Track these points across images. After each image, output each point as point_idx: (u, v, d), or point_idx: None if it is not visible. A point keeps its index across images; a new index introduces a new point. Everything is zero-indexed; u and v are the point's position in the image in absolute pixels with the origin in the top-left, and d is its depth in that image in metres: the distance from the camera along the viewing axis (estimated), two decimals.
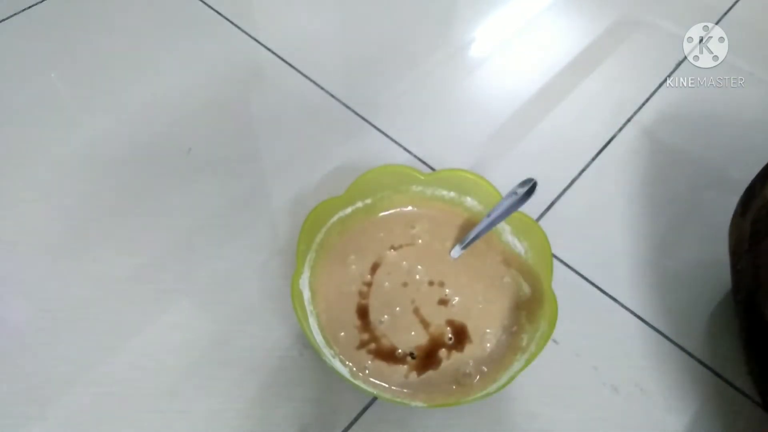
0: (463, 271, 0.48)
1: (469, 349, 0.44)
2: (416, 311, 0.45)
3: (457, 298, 0.46)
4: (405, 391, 0.42)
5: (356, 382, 0.41)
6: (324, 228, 0.47)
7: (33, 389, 0.45)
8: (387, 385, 0.42)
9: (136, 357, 0.46)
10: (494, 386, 0.40)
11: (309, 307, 0.44)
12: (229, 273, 0.51)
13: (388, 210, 0.51)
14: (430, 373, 0.43)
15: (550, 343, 0.42)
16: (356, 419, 0.44)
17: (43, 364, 0.46)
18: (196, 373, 0.46)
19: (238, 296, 0.50)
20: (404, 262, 0.48)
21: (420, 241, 0.49)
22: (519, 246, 0.48)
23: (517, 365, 0.41)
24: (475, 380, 0.42)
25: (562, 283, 0.48)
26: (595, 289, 0.51)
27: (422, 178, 0.49)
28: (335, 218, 0.48)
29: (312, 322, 0.43)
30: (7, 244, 0.52)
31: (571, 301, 0.45)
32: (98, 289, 0.50)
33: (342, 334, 0.44)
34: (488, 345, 0.44)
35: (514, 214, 0.46)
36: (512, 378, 0.40)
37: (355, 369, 0.42)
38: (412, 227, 0.50)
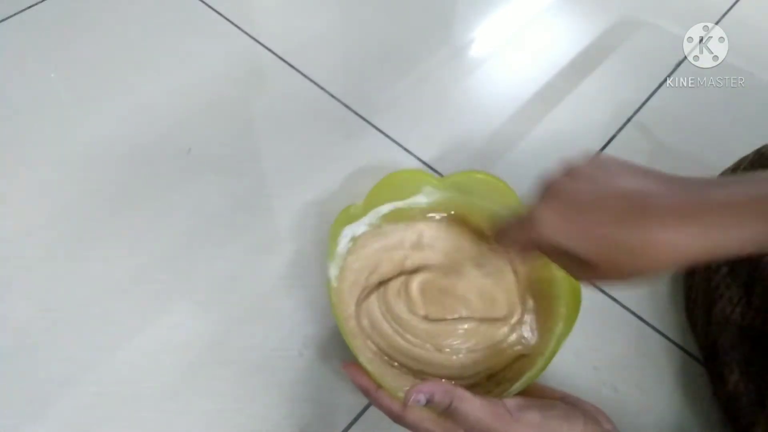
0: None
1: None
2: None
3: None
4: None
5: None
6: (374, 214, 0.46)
7: (33, 389, 0.45)
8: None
9: (136, 357, 0.46)
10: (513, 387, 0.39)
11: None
12: (229, 273, 0.51)
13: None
14: None
15: None
16: (356, 419, 0.44)
17: (43, 364, 0.46)
18: (196, 373, 0.46)
19: (238, 296, 0.50)
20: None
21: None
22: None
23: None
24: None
25: None
26: (595, 290, 0.51)
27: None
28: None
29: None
30: (7, 244, 0.52)
31: None
32: (98, 289, 0.50)
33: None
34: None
35: (515, 213, 0.45)
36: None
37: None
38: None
